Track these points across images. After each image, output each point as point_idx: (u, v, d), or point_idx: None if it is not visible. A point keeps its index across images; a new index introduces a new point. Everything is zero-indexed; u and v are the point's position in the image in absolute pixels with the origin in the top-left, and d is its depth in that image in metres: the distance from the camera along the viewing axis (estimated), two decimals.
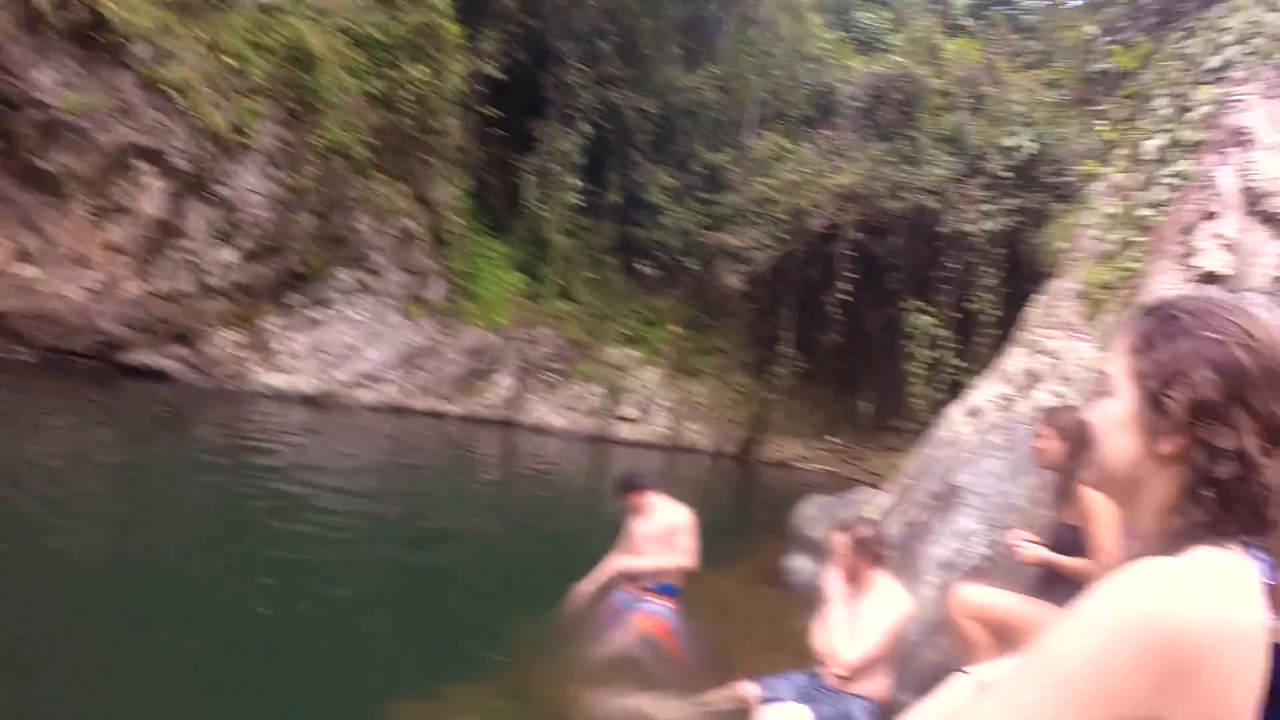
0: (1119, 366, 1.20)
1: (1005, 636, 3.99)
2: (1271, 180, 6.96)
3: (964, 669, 3.43)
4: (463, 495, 11.27)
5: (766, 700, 4.72)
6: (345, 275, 16.16)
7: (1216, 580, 1.03)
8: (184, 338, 13.75)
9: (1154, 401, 1.12)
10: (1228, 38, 8.72)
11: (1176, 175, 7.91)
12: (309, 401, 15.07)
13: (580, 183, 19.41)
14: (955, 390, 16.41)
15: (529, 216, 19.50)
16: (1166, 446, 1.10)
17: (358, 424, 14.79)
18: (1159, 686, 0.97)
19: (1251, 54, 8.33)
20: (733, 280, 19.59)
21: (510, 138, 19.25)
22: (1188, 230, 7.01)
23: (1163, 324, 1.15)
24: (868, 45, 23.75)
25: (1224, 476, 1.06)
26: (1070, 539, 4.07)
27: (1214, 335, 1.10)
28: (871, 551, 4.76)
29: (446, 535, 8.78)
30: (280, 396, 14.66)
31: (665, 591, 5.76)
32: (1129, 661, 0.97)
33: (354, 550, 7.09)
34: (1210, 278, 6.57)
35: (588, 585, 5.85)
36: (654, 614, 5.66)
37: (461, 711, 4.53)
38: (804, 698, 4.66)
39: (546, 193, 19.27)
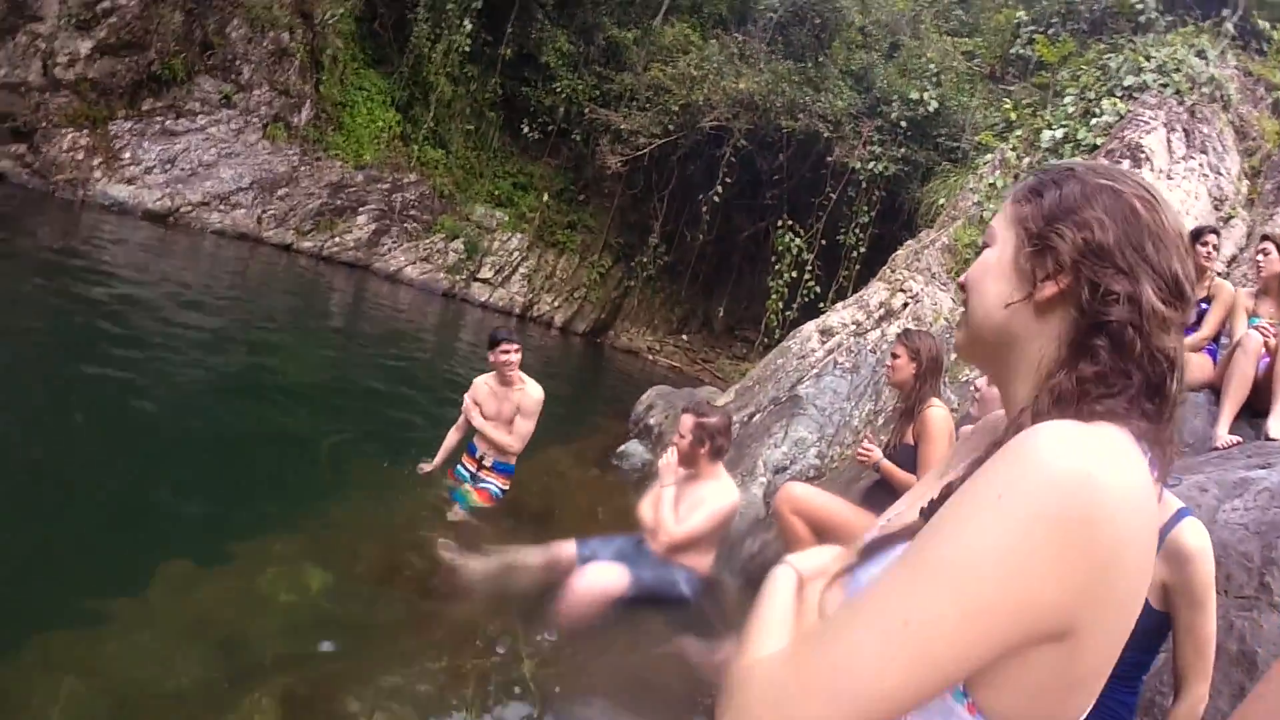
0: (1001, 217, 1.11)
1: (825, 534, 4.29)
2: None
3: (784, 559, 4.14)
4: (306, 338, 11.32)
5: (584, 559, 4.85)
6: (209, 85, 15.84)
7: (1127, 459, 0.91)
8: (24, 135, 13.25)
9: (1036, 240, 1.04)
10: (1150, 65, 9.60)
11: None
12: (152, 218, 14.82)
13: (474, 28, 19.20)
14: (808, 312, 17.48)
15: (415, 54, 19.20)
16: (1049, 289, 1.01)
17: (202, 248, 14.62)
18: (1079, 586, 0.84)
19: (1165, 85, 9.28)
20: (612, 160, 19.83)
21: None
22: None
23: (1053, 176, 1.08)
24: None
25: (1117, 319, 0.97)
26: (906, 458, 4.43)
27: (1109, 183, 1.04)
28: (715, 442, 4.77)
29: (284, 381, 8.84)
30: (122, 209, 14.38)
31: (502, 470, 6.08)
32: (1046, 555, 0.82)
33: (181, 386, 7.20)
34: None
35: (439, 457, 6.17)
36: (486, 489, 5.99)
37: (272, 565, 4.58)
38: (623, 558, 4.78)
39: (437, 32, 19.01)
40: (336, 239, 18.18)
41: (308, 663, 3.75)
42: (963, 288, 1.13)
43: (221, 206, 16.11)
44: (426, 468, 6.22)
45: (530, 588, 4.93)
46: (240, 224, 16.36)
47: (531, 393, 6.05)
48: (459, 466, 6.23)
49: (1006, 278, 1.06)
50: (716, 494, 4.81)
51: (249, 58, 16.35)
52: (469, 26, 19.04)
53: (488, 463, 6.11)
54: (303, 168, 17.53)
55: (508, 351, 5.97)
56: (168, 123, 15.37)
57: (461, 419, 6.22)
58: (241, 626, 3.94)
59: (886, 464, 4.54)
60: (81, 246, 11.35)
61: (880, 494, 4.61)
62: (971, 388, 4.78)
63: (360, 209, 18.60)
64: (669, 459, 5.03)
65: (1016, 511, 0.83)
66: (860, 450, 4.68)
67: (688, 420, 4.87)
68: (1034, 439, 0.88)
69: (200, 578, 4.23)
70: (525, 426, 6.04)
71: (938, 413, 4.41)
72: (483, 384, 6.18)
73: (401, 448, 7.11)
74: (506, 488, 6.15)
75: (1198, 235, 6.01)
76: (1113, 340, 0.98)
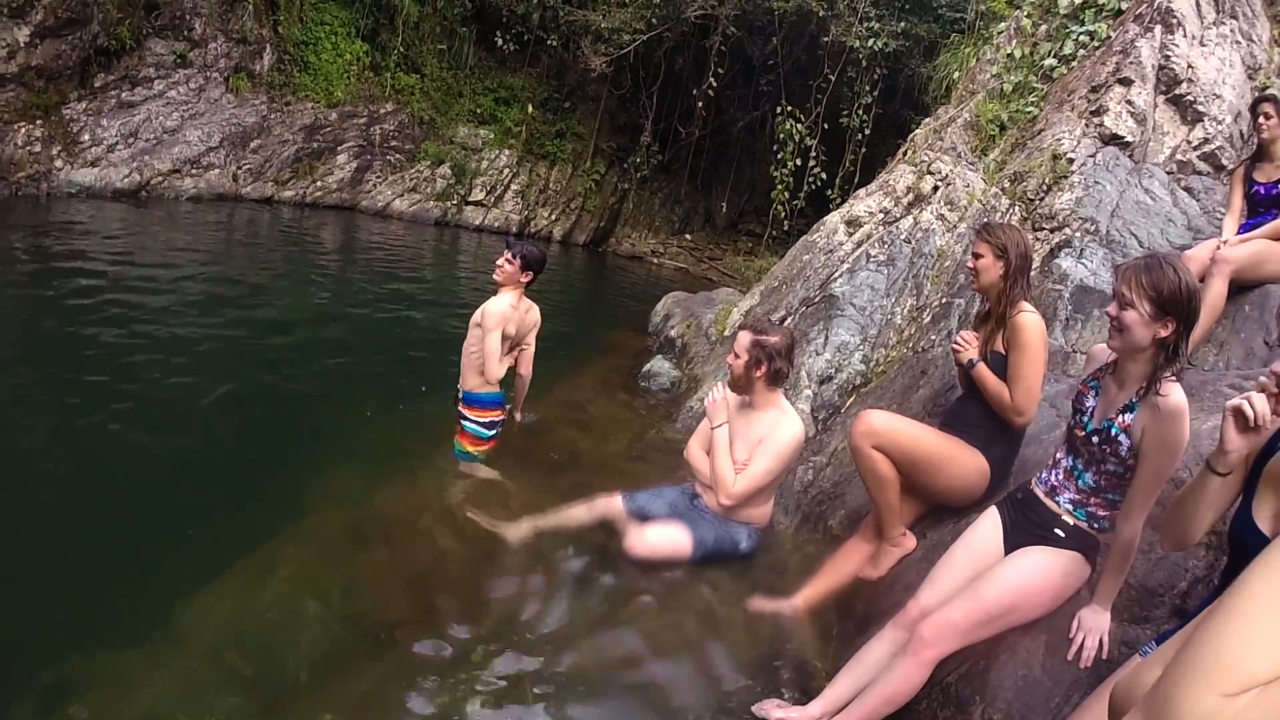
0: None
1: (914, 471, 4.12)
2: (1187, 69, 7.57)
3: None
4: (301, 289, 11.10)
5: (635, 516, 4.65)
6: (160, 47, 15.14)
7: None
8: None
9: None
10: None
11: (1089, 34, 8.42)
12: (123, 196, 14.39)
13: None
14: (815, 200, 17.09)
15: None
16: None
17: (181, 218, 14.21)
18: None
19: None
20: (596, 62, 19.11)
21: None
22: (1098, 89, 7.56)
23: None
24: None
25: None
26: (997, 367, 4.04)
27: None
28: (774, 364, 4.43)
29: (282, 339, 8.58)
30: (91, 194, 13.93)
31: (471, 401, 5.57)
32: None
33: (191, 374, 6.94)
34: (1114, 139, 7.19)
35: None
36: (463, 430, 5.58)
37: (294, 568, 4.39)
38: (678, 515, 4.60)
39: None
40: (318, 183, 17.73)
41: (347, 677, 3.53)
42: None
43: (193, 171, 15.61)
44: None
45: (580, 552, 4.70)
46: (216, 185, 15.90)
47: (487, 304, 5.45)
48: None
49: None
50: (778, 427, 4.47)
51: (198, 11, 15.59)
52: None
53: (459, 395, 5.62)
54: (273, 116, 16.93)
55: (499, 263, 5.46)
56: (123, 95, 14.73)
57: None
58: (271, 645, 3.72)
59: (982, 367, 4.08)
60: (54, 241, 11.01)
61: (968, 411, 4.26)
62: (972, 248, 4.29)
63: (339, 148, 18.07)
64: (717, 394, 4.73)
65: None
66: (957, 341, 4.24)
67: (744, 337, 4.48)
68: None
69: (218, 604, 3.98)
70: (483, 339, 5.41)
71: (1031, 318, 3.97)
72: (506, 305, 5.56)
73: (410, 394, 6.80)
74: (486, 420, 5.59)
75: (1255, 106, 5.56)
76: None
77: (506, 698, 3.47)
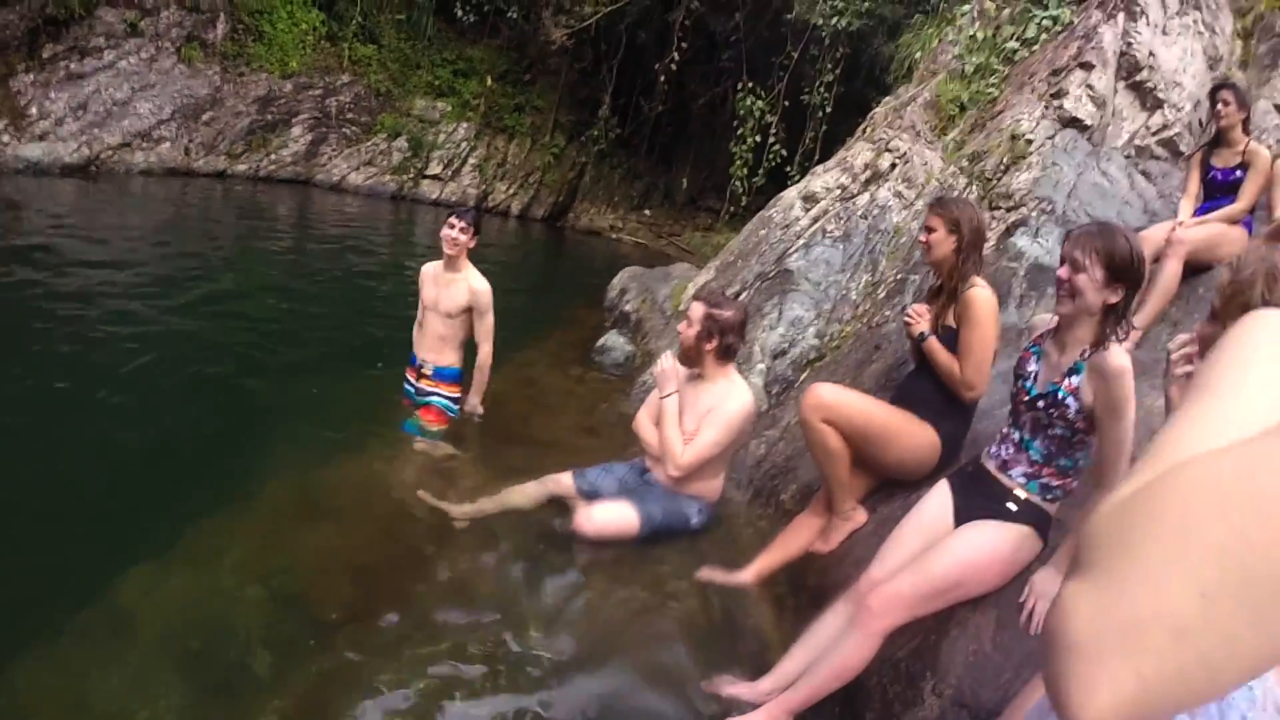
0: None
1: (864, 444, 4.08)
2: (1148, 57, 7.60)
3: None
4: (253, 265, 10.95)
5: (585, 494, 4.60)
6: (111, 16, 14.86)
7: None
8: None
9: None
10: None
11: (1052, 19, 8.45)
12: (72, 171, 14.11)
13: None
14: (775, 177, 17.07)
15: None
16: None
17: (130, 193, 13.98)
18: None
19: None
20: (557, 34, 18.94)
21: None
22: (1059, 73, 7.56)
23: None
24: None
25: None
26: (947, 342, 4.03)
27: None
28: (725, 339, 4.42)
29: (235, 316, 8.41)
30: (38, 170, 13.63)
31: (445, 377, 5.60)
32: None
33: (139, 349, 6.78)
34: (1073, 122, 7.19)
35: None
36: (432, 405, 5.56)
37: (238, 552, 4.25)
38: (627, 492, 4.55)
39: None
40: (272, 156, 17.48)
41: (295, 669, 3.38)
42: None
43: (144, 144, 15.33)
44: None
45: (530, 532, 4.59)
46: (167, 158, 15.62)
47: (476, 284, 5.43)
48: (406, 388, 5.74)
49: None
50: (728, 398, 4.41)
51: None
52: None
53: (427, 371, 5.59)
54: (225, 86, 16.64)
55: (453, 226, 5.36)
56: (72, 66, 14.40)
57: (420, 314, 5.66)
58: (215, 634, 3.56)
59: (934, 341, 4.05)
60: (1, 218, 10.73)
61: (919, 385, 4.23)
62: (925, 222, 4.26)
63: (293, 120, 17.82)
64: (666, 363, 4.62)
65: None
66: (909, 314, 4.20)
67: (698, 309, 4.45)
68: None
69: (163, 585, 3.84)
70: (488, 321, 5.48)
71: (982, 293, 3.93)
72: (429, 268, 5.58)
73: (364, 369, 6.69)
74: (458, 397, 5.64)
75: (1214, 93, 5.62)
76: None
77: (454, 682, 3.39)
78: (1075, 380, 3.00)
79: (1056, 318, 3.15)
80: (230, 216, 14.18)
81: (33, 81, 13.84)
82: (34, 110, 13.77)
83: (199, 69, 16.15)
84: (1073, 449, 3.08)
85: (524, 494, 4.73)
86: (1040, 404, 3.11)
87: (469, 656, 3.52)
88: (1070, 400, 3.00)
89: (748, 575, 4.22)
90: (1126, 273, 2.87)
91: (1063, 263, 2.96)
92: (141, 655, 3.34)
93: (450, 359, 5.54)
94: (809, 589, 4.05)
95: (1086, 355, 2.99)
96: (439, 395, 5.55)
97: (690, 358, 4.53)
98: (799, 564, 4.25)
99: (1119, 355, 2.90)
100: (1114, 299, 2.91)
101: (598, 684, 3.48)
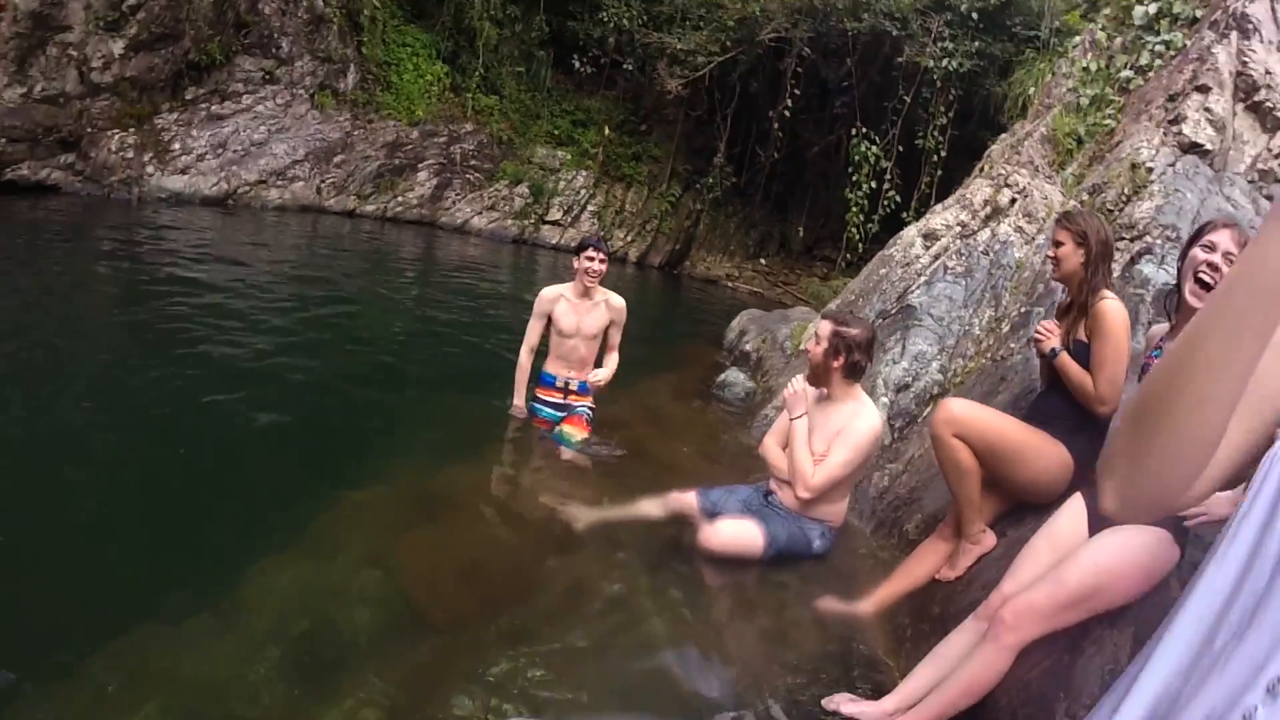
0: None
1: (995, 461, 4.00)
2: (1265, 75, 7.39)
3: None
4: (379, 299, 11.26)
5: (708, 513, 4.57)
6: (249, 64, 15.67)
7: None
8: (71, 144, 13.14)
9: None
10: None
11: (1165, 44, 8.29)
12: (211, 203, 14.81)
13: None
14: (890, 224, 16.89)
15: (454, 3, 18.76)
16: None
17: (266, 226, 14.62)
18: None
19: None
20: (671, 84, 19.20)
21: None
22: (1175, 98, 7.41)
23: None
24: None
25: None
26: (1080, 356, 3.93)
27: None
28: (852, 356, 4.42)
29: (361, 343, 8.67)
30: (180, 201, 14.35)
31: (587, 390, 5.94)
32: None
33: (262, 365, 7.01)
34: (1193, 147, 7.00)
35: (520, 392, 5.96)
36: (580, 415, 5.86)
37: (356, 544, 4.37)
38: (751, 513, 4.52)
39: None
40: (399, 198, 18.05)
41: (405, 656, 3.44)
42: None
43: (279, 182, 16.02)
44: (519, 411, 5.92)
45: (652, 543, 4.64)
46: (300, 196, 16.28)
47: (615, 302, 5.82)
48: (540, 408, 5.97)
49: None
50: (857, 418, 4.41)
51: (285, 30, 16.10)
52: None
53: (573, 386, 5.92)
54: (356, 132, 17.32)
55: (593, 259, 5.68)
56: (213, 108, 15.22)
57: (530, 338, 5.90)
58: (329, 624, 3.64)
59: (1065, 356, 3.95)
60: (144, 240, 11.32)
61: (1050, 404, 4.14)
62: (1053, 236, 4.19)
63: (419, 165, 18.41)
64: (796, 385, 4.64)
65: None
66: (1039, 330, 4.12)
67: (825, 326, 4.53)
68: None
69: (281, 573, 3.94)
70: (617, 336, 5.86)
71: (1113, 305, 3.84)
72: (556, 296, 5.82)
73: (490, 398, 6.86)
74: (594, 406, 5.98)
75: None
76: None
77: (563, 680, 3.37)
78: None
79: (1175, 322, 3.15)
80: (359, 250, 14.69)
81: (176, 120, 14.60)
82: (177, 146, 14.52)
83: (330, 115, 16.85)
84: None
85: (646, 508, 4.78)
86: None
87: (582, 660, 3.52)
88: None
89: (868, 605, 4.14)
90: None
91: (1213, 250, 2.96)
92: (251, 639, 3.42)
93: (589, 373, 5.87)
94: (933, 618, 3.94)
95: None
96: (584, 406, 5.88)
97: (818, 376, 4.54)
98: (923, 592, 4.15)
99: None
100: None
101: (717, 692, 3.44)
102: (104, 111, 13.42)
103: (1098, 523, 3.14)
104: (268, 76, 15.85)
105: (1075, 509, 3.26)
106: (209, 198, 14.80)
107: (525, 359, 5.89)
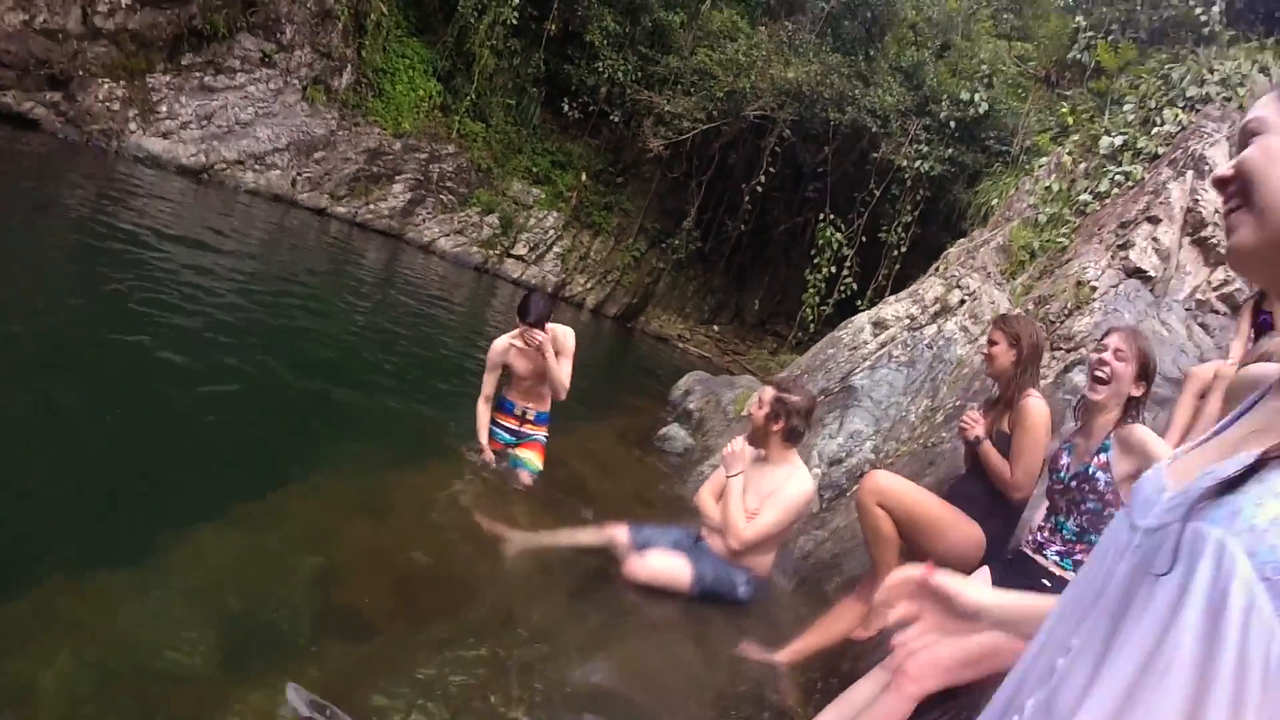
0: (1272, 108, 1.06)
1: (914, 533, 4.17)
2: (1214, 214, 7.93)
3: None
4: (337, 300, 11.26)
5: (638, 545, 4.72)
6: (249, 43, 15.72)
7: None
8: (60, 83, 13.17)
9: None
10: (1213, 78, 9.54)
11: (1125, 175, 8.84)
12: (185, 173, 14.77)
13: (521, 2, 18.91)
14: (844, 309, 17.32)
15: (459, 25, 19.01)
16: None
17: (235, 207, 14.53)
18: None
19: (1229, 99, 9.24)
20: (654, 143, 19.65)
21: None
22: (1127, 225, 7.83)
23: None
24: None
25: None
26: (1001, 446, 4.17)
27: None
28: (791, 422, 4.61)
29: (314, 340, 8.63)
30: (155, 163, 14.32)
31: (544, 420, 6.09)
32: None
33: (214, 342, 6.96)
34: (1137, 272, 7.41)
35: (485, 434, 5.97)
36: (536, 441, 6.02)
37: (294, 533, 4.33)
38: (682, 551, 4.67)
39: (484, 3, 18.74)
40: (371, 206, 18.10)
41: (333, 645, 3.50)
42: (1228, 182, 1.05)
43: (256, 166, 16.02)
44: (489, 455, 5.96)
45: (580, 570, 4.77)
46: (274, 185, 16.28)
47: (562, 335, 5.83)
48: (497, 431, 6.08)
49: None
50: (790, 481, 4.62)
51: (292, 18, 16.20)
52: (516, 0, 18.76)
53: (530, 416, 6.05)
54: (340, 132, 17.42)
55: (536, 335, 5.65)
56: (206, 79, 15.24)
57: (485, 388, 5.98)
58: (258, 600, 3.68)
59: (987, 445, 4.22)
60: (113, 196, 11.23)
61: (969, 486, 4.38)
62: (989, 335, 4.50)
63: (396, 177, 18.51)
64: (735, 445, 4.82)
65: None
66: (965, 419, 4.38)
67: (769, 392, 4.70)
68: None
69: (215, 543, 3.98)
70: (567, 367, 5.85)
71: (1037, 403, 4.14)
72: (506, 347, 5.90)
73: (437, 410, 6.96)
74: (547, 436, 6.14)
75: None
76: None
77: (483, 692, 3.45)
78: (1104, 456, 3.36)
79: (1079, 422, 3.57)
80: (322, 250, 14.69)
81: (167, 83, 14.62)
82: (163, 109, 14.52)
83: (319, 110, 16.94)
84: (1104, 523, 3.23)
85: (579, 536, 4.94)
86: (1074, 483, 3.42)
87: (502, 670, 3.60)
88: (1100, 474, 3.33)
89: (784, 655, 4.33)
90: (1150, 373, 3.44)
91: (1105, 350, 3.41)
92: (181, 600, 3.46)
93: (546, 405, 6.03)
94: (843, 673, 4.10)
95: (1109, 434, 3.38)
96: (540, 436, 6.05)
97: (758, 438, 4.74)
98: (836, 648, 4.32)
99: (1142, 430, 3.34)
100: (1137, 393, 3.43)
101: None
102: (99, 58, 13.45)
103: (1000, 589, 3.41)
104: (265, 59, 15.91)
105: (983, 576, 3.54)
106: (185, 167, 14.76)
107: (482, 408, 5.99)
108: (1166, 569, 0.91)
